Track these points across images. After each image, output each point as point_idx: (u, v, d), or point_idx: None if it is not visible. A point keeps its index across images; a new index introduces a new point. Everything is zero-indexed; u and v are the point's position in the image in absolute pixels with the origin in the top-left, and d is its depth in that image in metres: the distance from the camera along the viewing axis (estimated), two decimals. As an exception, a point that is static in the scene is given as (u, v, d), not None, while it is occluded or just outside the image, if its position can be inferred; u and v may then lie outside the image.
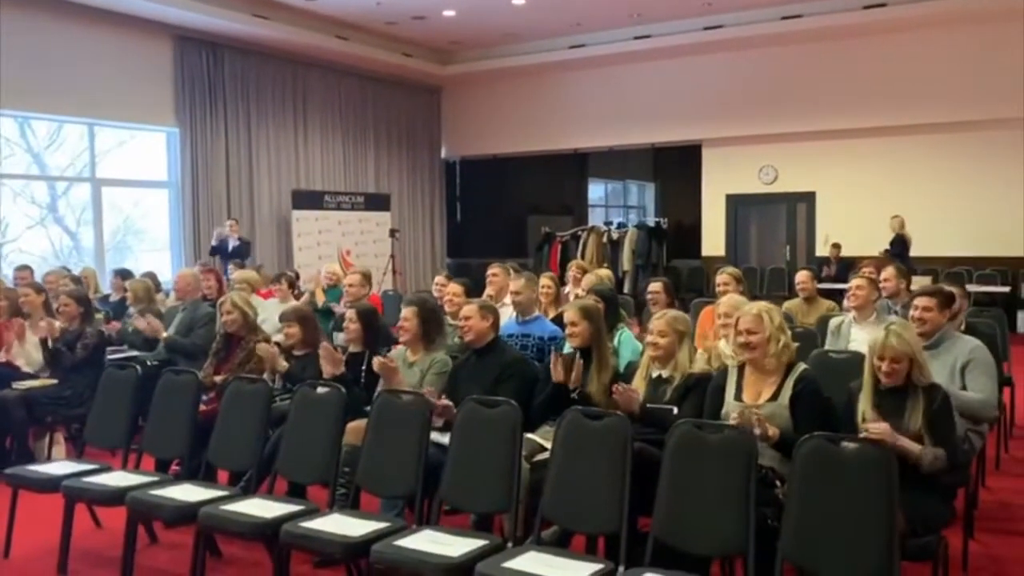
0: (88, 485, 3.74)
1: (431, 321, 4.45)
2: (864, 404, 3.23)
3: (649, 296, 5.85)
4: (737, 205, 13.07)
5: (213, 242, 10.48)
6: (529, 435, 3.64)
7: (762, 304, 3.55)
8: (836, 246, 11.31)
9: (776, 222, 12.99)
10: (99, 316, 6.61)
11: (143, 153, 11.18)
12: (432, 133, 15.12)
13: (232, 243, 10.36)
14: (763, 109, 12.34)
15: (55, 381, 5.39)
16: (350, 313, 4.84)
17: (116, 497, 3.63)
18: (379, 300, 7.64)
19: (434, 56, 13.69)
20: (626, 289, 12.23)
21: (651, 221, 13.66)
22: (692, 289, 11.90)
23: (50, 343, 5.43)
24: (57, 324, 5.54)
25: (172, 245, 11.23)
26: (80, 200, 10.63)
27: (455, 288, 5.37)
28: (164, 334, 5.86)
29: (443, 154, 15.41)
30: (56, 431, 5.40)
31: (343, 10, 11.35)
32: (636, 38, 12.44)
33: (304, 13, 11.26)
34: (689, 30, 12.00)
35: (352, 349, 4.71)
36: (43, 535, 3.98)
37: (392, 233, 13.06)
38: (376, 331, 4.84)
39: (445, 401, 3.84)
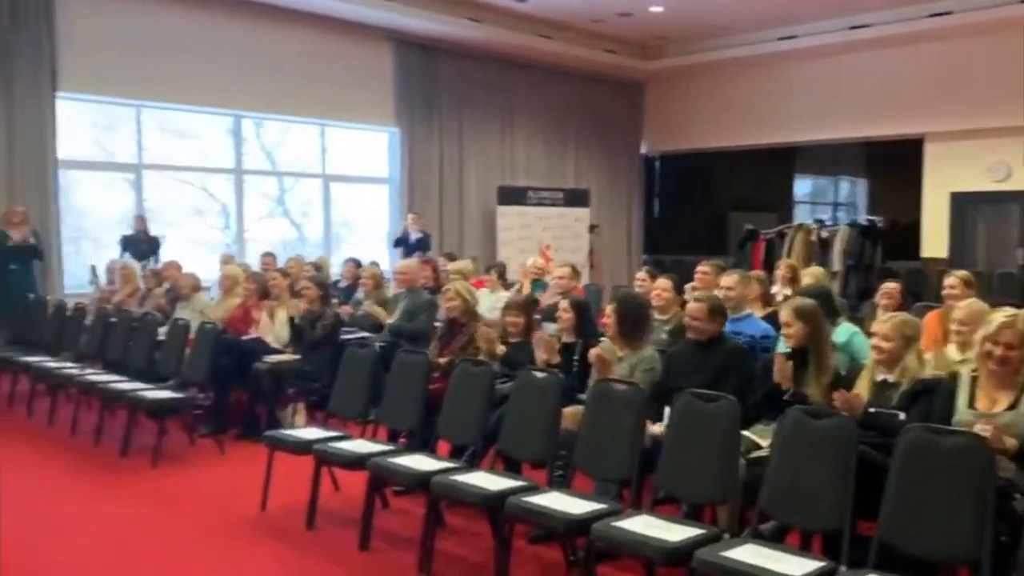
0: (335, 450, 4.18)
1: (634, 318, 4.55)
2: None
3: (881, 296, 5.67)
4: (963, 204, 12.13)
5: (397, 234, 11.07)
6: (743, 432, 3.67)
7: (1016, 313, 3.36)
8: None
9: (1007, 222, 11.93)
10: (333, 301, 7.28)
11: (369, 152, 12.03)
12: (633, 129, 15.16)
13: (414, 235, 10.89)
14: (994, 100, 11.35)
15: (298, 357, 6.01)
16: (564, 303, 5.05)
17: (359, 462, 4.04)
18: (583, 293, 7.85)
19: (638, 52, 13.72)
20: (835, 290, 11.69)
21: (864, 219, 12.97)
22: (911, 292, 11.18)
23: (297, 321, 6.07)
24: (300, 305, 6.18)
25: (389, 238, 12.02)
26: (305, 194, 11.61)
27: (664, 283, 5.44)
28: (389, 320, 6.35)
29: (643, 150, 15.41)
30: (298, 401, 6.02)
31: (551, 10, 11.65)
32: (853, 28, 11.85)
33: (514, 14, 11.66)
34: (912, 17, 11.27)
35: (565, 339, 4.91)
36: (291, 494, 4.47)
37: (591, 228, 13.25)
38: (589, 322, 5.03)
39: None
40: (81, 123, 9.43)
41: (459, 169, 12.51)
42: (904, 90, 12.17)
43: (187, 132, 10.41)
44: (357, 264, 8.29)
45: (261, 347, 6.15)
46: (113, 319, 6.74)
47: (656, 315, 5.40)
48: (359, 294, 7.17)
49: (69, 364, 6.57)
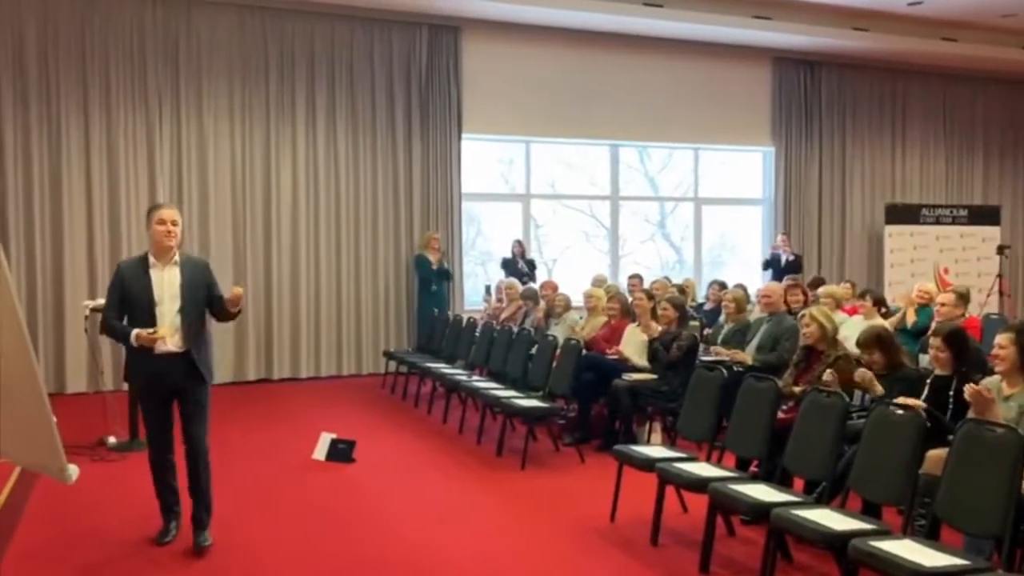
0: (677, 470, 4.25)
1: (1034, 353, 3.97)
2: None
3: None
4: None
5: (767, 256, 10.66)
6: None
7: None
8: None
9: None
10: (694, 323, 7.35)
11: (740, 173, 11.92)
12: (1060, 135, 13.03)
13: (784, 257, 10.39)
14: None
15: (655, 376, 6.18)
16: (936, 335, 4.57)
17: (699, 484, 4.06)
18: (978, 323, 6.97)
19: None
20: None
21: None
22: None
23: (654, 343, 6.26)
24: (657, 326, 6.35)
25: (761, 258, 11.73)
26: (684, 218, 11.81)
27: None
28: (749, 361, 6.15)
29: (1074, 158, 13.15)
30: (655, 420, 6.19)
31: (951, 9, 10.52)
32: None
33: (904, 19, 10.74)
34: None
35: (938, 372, 4.44)
36: (640, 508, 4.62)
37: (1000, 250, 11.63)
38: (965, 355, 4.48)
39: None
40: (484, 159, 10.67)
41: (841, 187, 11.84)
42: None
43: (572, 162, 11.24)
44: (722, 287, 8.26)
45: (622, 364, 6.43)
46: (496, 333, 7.52)
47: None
48: (721, 318, 7.14)
49: (460, 371, 7.47)
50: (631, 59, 10.63)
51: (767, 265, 10.65)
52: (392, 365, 8.68)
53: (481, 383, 6.86)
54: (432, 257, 9.45)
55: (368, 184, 9.63)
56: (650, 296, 7.09)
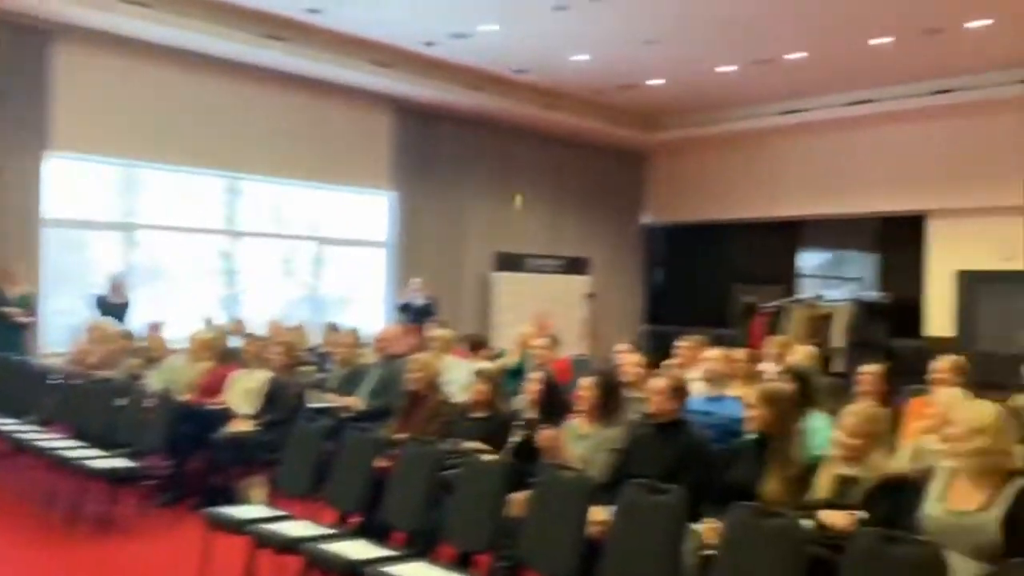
0: (270, 532, 3.95)
1: (611, 395, 4.38)
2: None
3: (859, 380, 5.42)
4: (970, 282, 11.87)
5: (402, 300, 10.90)
6: (695, 526, 3.43)
7: (982, 409, 3.14)
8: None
9: (1017, 303, 11.64)
10: (309, 368, 7.12)
11: (366, 216, 12.00)
12: (635, 199, 15.12)
13: (418, 301, 10.70)
14: (1001, 178, 11.21)
15: (260, 427, 5.81)
16: (535, 376, 4.87)
17: (292, 545, 3.81)
18: (568, 365, 7.63)
19: (641, 123, 13.75)
20: (836, 368, 11.39)
21: (869, 296, 12.73)
22: (912, 372, 10.86)
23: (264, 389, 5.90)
24: (264, 373, 6.01)
25: (385, 301, 11.91)
26: (309, 257, 11.55)
27: (633, 359, 5.24)
28: (360, 406, 6.10)
29: (646, 220, 15.34)
30: (258, 475, 5.80)
31: (552, 80, 11.72)
32: (852, 103, 11.81)
33: (515, 84, 11.74)
34: (914, 95, 11.23)
35: (528, 414, 4.71)
36: (232, 573, 4.22)
37: (588, 297, 13.09)
38: (556, 399, 4.83)
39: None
40: (81, 182, 9.44)
41: (457, 235, 12.45)
42: (907, 166, 12.06)
43: (184, 193, 10.42)
44: (335, 329, 8.14)
45: (225, 415, 5.96)
46: (78, 382, 6.59)
47: (632, 393, 5.21)
48: (330, 364, 6.99)
49: (31, 427, 6.39)
50: (254, 89, 10.20)
51: (403, 309, 10.75)
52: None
53: (53, 441, 5.91)
54: (8, 291, 8.06)
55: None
56: (258, 341, 6.72)
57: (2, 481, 6.16)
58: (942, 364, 5.24)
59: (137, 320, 8.76)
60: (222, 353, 6.34)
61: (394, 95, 11.31)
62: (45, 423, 6.62)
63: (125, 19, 8.55)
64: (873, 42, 9.60)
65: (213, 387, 6.29)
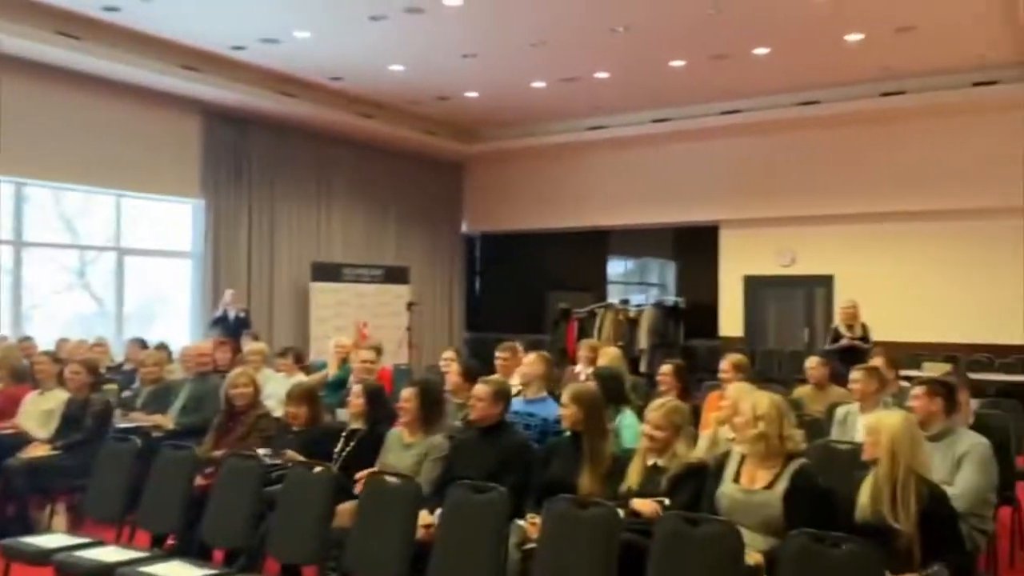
0: (78, 560, 3.73)
1: (432, 404, 4.46)
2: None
3: (659, 379, 5.82)
4: (755, 287, 13.04)
5: (217, 313, 10.50)
6: (519, 522, 3.60)
7: (762, 397, 3.53)
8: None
9: (794, 305, 12.92)
10: (112, 386, 6.70)
11: (169, 224, 11.41)
12: (453, 209, 15.36)
13: (233, 314, 10.35)
14: (781, 192, 12.42)
15: (59, 451, 5.42)
16: (356, 389, 4.87)
17: (104, 572, 3.62)
18: (390, 374, 7.67)
19: (457, 134, 14.00)
20: (643, 368, 12.13)
21: (669, 300, 13.65)
22: (709, 369, 11.78)
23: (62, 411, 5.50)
24: (63, 393, 5.62)
25: (192, 315, 11.37)
26: (108, 268, 10.84)
27: (455, 367, 5.38)
28: (170, 425, 5.86)
29: (464, 229, 15.61)
30: (58, 501, 5.41)
31: (368, 89, 11.70)
32: (654, 121, 12.66)
33: (330, 92, 11.61)
34: (707, 114, 12.19)
35: (353, 426, 4.71)
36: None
37: (409, 306, 13.15)
38: (381, 407, 4.85)
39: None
40: None
41: (270, 244, 12.11)
42: (702, 179, 13.07)
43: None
44: (143, 344, 7.71)
45: (19, 440, 5.51)
46: None
47: (452, 399, 5.33)
48: (136, 381, 6.63)
49: None
50: (44, 90, 9.44)
51: (216, 322, 10.28)
52: None
53: None
54: None
55: None
56: (55, 359, 6.25)
57: None
58: (726, 363, 5.76)
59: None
60: (14, 372, 5.84)
61: (202, 99, 10.85)
62: None
63: None
64: (672, 64, 10.34)
65: (5, 410, 5.79)
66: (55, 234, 10.42)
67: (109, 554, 3.82)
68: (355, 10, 8.66)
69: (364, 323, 12.48)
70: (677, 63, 10.33)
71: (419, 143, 13.61)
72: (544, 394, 5.29)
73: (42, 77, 9.40)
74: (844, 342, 8.51)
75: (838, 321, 8.98)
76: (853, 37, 9.28)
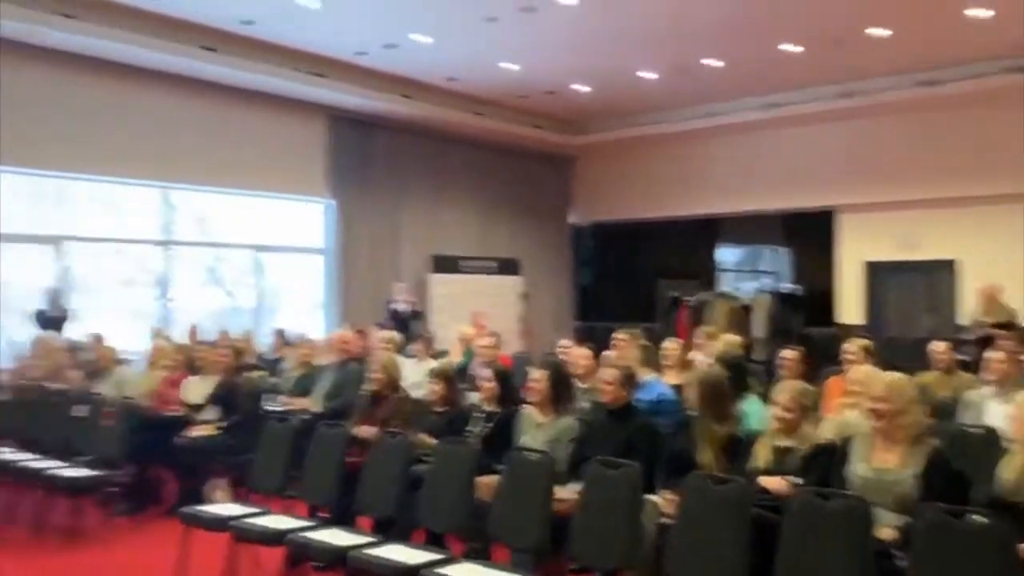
0: (251, 526, 4.16)
1: (561, 385, 4.71)
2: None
3: (782, 364, 5.90)
4: (876, 272, 12.73)
5: (391, 306, 11.00)
6: (653, 497, 3.81)
7: (895, 375, 3.61)
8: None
9: (916, 290, 12.55)
10: (261, 373, 7.27)
11: (302, 223, 12.10)
12: (563, 200, 15.59)
13: (404, 307, 10.83)
14: (901, 175, 12.08)
15: (220, 431, 5.96)
16: (486, 372, 5.17)
17: (275, 538, 4.03)
18: (509, 361, 7.97)
19: (566, 127, 14.21)
20: (758, 357, 12.05)
21: (785, 287, 13.47)
22: (826, 357, 11.59)
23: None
24: (216, 378, 6.16)
25: (324, 307, 12.04)
26: (240, 264, 11.60)
27: (582, 352, 5.61)
28: (316, 408, 6.32)
29: (573, 220, 15.83)
30: (221, 476, 5.95)
31: (480, 88, 12.06)
32: (767, 106, 12.52)
33: (446, 92, 12.03)
34: (821, 98, 11.98)
35: (486, 408, 5.01)
36: (209, 572, 4.40)
37: (522, 296, 13.48)
38: (511, 391, 5.14)
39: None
40: (6, 194, 9.29)
41: (393, 239, 12.67)
42: (816, 165, 12.84)
43: (117, 203, 10.35)
44: (283, 335, 8.29)
45: (184, 421, 6.09)
46: (28, 395, 6.58)
47: (578, 383, 5.57)
48: (284, 364, 7.17)
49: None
50: (187, 100, 10.20)
51: (392, 315, 10.84)
52: None
53: (9, 454, 5.93)
54: None
55: None
56: (212, 348, 6.83)
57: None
58: (852, 346, 5.78)
59: (76, 332, 8.70)
60: (185, 362, 6.45)
61: (328, 104, 11.47)
62: (-6, 438, 6.60)
63: (53, 30, 8.49)
64: (783, 48, 10.24)
65: (169, 395, 6.39)
66: (194, 234, 11.21)
67: (277, 522, 4.24)
68: (471, 13, 8.98)
69: (480, 312, 12.85)
70: (790, 47, 10.22)
71: (529, 137, 13.89)
72: (647, 378, 5.48)
73: (185, 89, 10.15)
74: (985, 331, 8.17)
75: (976, 306, 8.61)
76: (978, 13, 8.97)
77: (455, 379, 5.41)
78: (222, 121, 10.60)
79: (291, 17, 9.10)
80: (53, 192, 9.66)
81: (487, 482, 4.10)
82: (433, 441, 4.62)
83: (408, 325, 10.58)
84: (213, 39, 9.53)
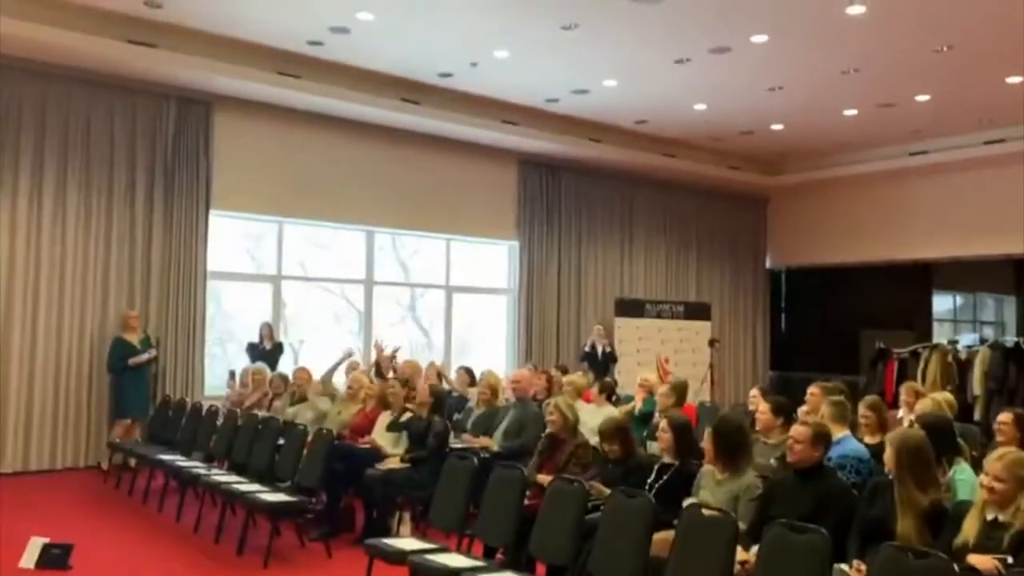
0: (429, 563, 4.25)
1: (728, 445, 4.47)
2: None
3: (998, 428, 5.33)
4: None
5: (585, 347, 11.11)
6: (842, 566, 3.52)
7: None
8: None
9: None
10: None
11: (488, 263, 12.49)
12: (757, 243, 15.07)
13: (601, 348, 10.89)
14: None
15: (408, 465, 6.19)
16: (663, 423, 5.03)
17: (450, 576, 4.10)
18: (694, 411, 7.72)
19: (761, 167, 13.78)
20: (976, 416, 10.96)
21: (1009, 340, 12.20)
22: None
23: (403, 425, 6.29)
24: (408, 415, 6.40)
25: (507, 346, 12.29)
26: (434, 303, 12.10)
27: (762, 406, 5.34)
28: (495, 447, 6.44)
29: (768, 264, 15.23)
30: (404, 510, 6.17)
31: (671, 129, 11.97)
32: (987, 143, 11.51)
33: (635, 134, 12.05)
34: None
35: (665, 460, 4.87)
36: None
37: (711, 343, 13.08)
38: (689, 443, 4.97)
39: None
40: (231, 237, 10.28)
41: (577, 281, 12.76)
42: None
43: (326, 245, 11.18)
44: (470, 373, 8.51)
45: (375, 454, 6.37)
46: (239, 422, 7.16)
47: (762, 438, 5.30)
48: (471, 403, 7.35)
49: (198, 463, 7.00)
50: (388, 149, 10.89)
51: (585, 356, 11.02)
52: (118, 457, 7.93)
53: (221, 476, 6.46)
54: (131, 338, 8.75)
55: (99, 256, 8.92)
56: (404, 383, 7.14)
57: (171, 514, 6.72)
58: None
59: (285, 364, 9.41)
60: (379, 397, 6.79)
61: (519, 149, 11.82)
62: (209, 459, 7.24)
63: (277, 89, 9.36)
64: (1009, 80, 9.40)
65: (363, 427, 6.73)
66: (394, 274, 11.85)
67: (452, 560, 4.31)
68: (661, 56, 8.97)
69: (666, 358, 12.63)
70: (1014, 79, 9.37)
71: (721, 179, 13.59)
72: (841, 434, 5.09)
73: (387, 139, 10.83)
74: None
75: None
76: None
77: (628, 431, 5.28)
78: (421, 168, 11.20)
79: (486, 69, 9.49)
80: (271, 234, 10.55)
81: (663, 538, 3.97)
82: (607, 491, 4.54)
83: (606, 367, 10.57)
84: (414, 92, 10.12)
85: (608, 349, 10.96)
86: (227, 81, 9.13)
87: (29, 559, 5.24)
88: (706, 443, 4.48)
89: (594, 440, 5.80)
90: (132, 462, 7.99)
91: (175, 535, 6.31)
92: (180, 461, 7.06)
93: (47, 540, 5.33)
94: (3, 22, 7.48)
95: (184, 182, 9.39)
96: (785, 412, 5.40)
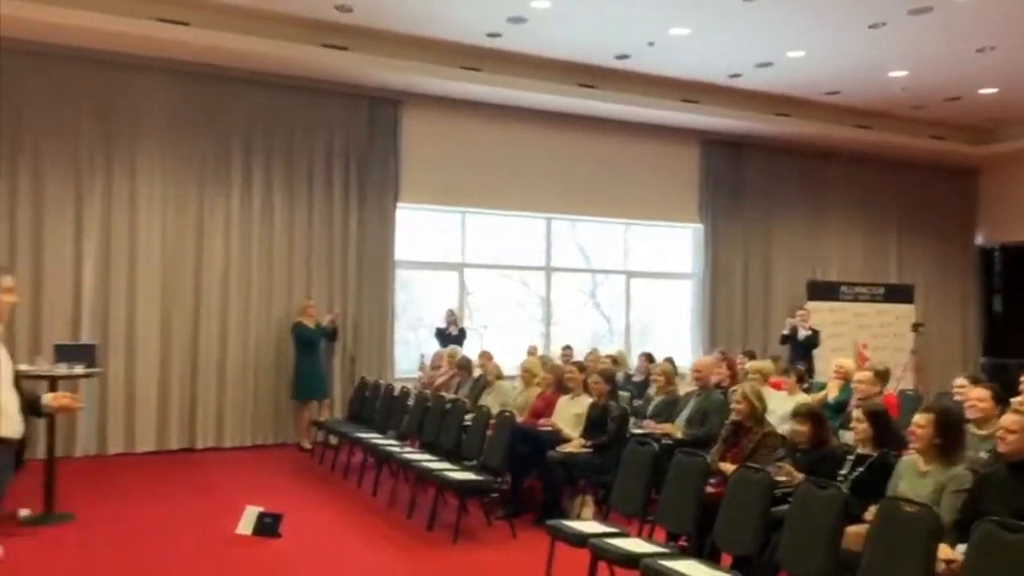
0: (609, 546, 4.27)
1: (950, 432, 4.16)
2: None
3: None
4: None
5: (785, 331, 10.76)
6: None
7: None
8: None
9: None
10: (624, 394, 7.46)
11: (670, 247, 12.26)
12: (966, 218, 13.83)
13: (802, 333, 10.53)
14: None
15: (589, 449, 6.23)
16: (857, 413, 4.75)
17: (631, 561, 4.09)
18: (895, 400, 7.24)
19: (969, 136, 12.62)
20: None
21: None
22: None
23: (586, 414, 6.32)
24: (588, 399, 6.43)
25: (691, 332, 12.03)
26: (614, 289, 12.05)
27: (980, 393, 4.89)
28: (678, 434, 6.33)
29: (978, 241, 13.95)
30: (586, 493, 6.21)
31: (866, 99, 11.22)
32: None
33: (825, 107, 11.40)
34: None
35: (860, 450, 4.60)
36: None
37: (915, 327, 12.17)
38: (889, 432, 4.67)
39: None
40: (420, 228, 10.74)
41: (765, 264, 12.28)
42: None
43: (506, 233, 11.41)
44: (650, 359, 8.42)
45: (556, 437, 6.47)
46: (429, 403, 7.49)
47: (973, 429, 4.88)
48: (651, 390, 7.28)
49: (392, 442, 7.39)
50: (565, 136, 10.95)
51: (784, 339, 10.76)
52: (321, 435, 8.52)
53: (413, 455, 6.79)
54: (310, 324, 9.24)
55: (302, 251, 9.62)
56: (581, 368, 7.18)
57: (368, 488, 7.14)
58: None
59: (470, 348, 9.73)
60: (556, 381, 6.89)
61: (701, 128, 11.51)
62: (401, 438, 7.62)
63: (460, 83, 9.64)
64: None
65: (543, 410, 6.85)
66: (573, 260, 11.91)
67: (634, 545, 4.30)
68: (852, 21, 8.42)
69: (864, 344, 11.87)
70: None
71: (923, 150, 12.59)
72: None
73: (564, 125, 10.89)
74: None
75: None
76: None
77: (824, 417, 5.03)
78: (599, 153, 11.17)
79: (663, 48, 9.30)
80: (455, 225, 10.91)
81: (856, 531, 3.76)
82: (800, 476, 4.36)
83: (806, 351, 10.11)
84: (591, 76, 10.09)
85: (809, 332, 10.43)
86: (415, 79, 9.53)
87: (245, 526, 5.75)
88: (920, 430, 4.17)
89: (782, 428, 5.59)
90: (332, 440, 8.55)
91: (371, 509, 6.70)
92: (376, 439, 7.48)
93: (261, 509, 5.82)
94: (226, 37, 8.22)
95: (375, 178, 9.92)
96: (1003, 401, 4.95)
